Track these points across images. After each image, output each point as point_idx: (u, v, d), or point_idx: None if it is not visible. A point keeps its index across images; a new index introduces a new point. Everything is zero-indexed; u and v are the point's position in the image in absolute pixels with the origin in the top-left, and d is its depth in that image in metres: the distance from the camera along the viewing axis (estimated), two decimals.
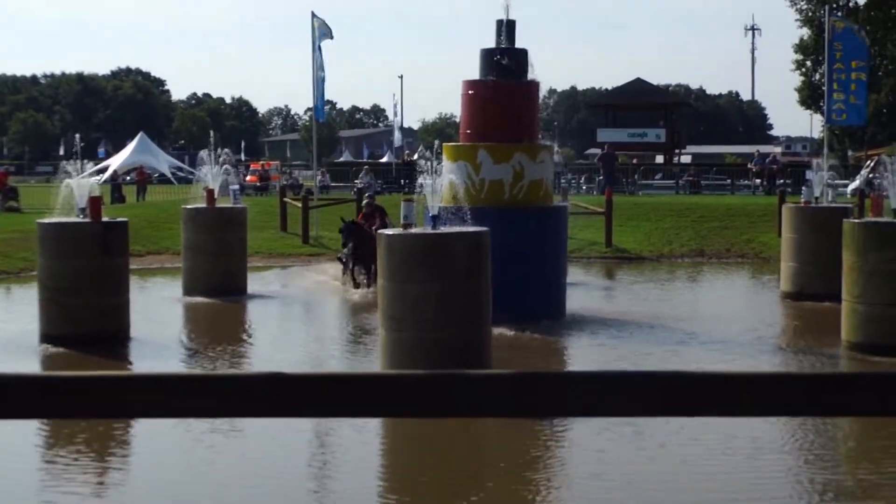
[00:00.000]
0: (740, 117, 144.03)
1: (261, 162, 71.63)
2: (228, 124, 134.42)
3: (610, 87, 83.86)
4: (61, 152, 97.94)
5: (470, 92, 17.69)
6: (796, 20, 56.73)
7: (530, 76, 17.68)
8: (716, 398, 2.53)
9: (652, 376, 2.58)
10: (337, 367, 13.67)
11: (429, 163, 15.55)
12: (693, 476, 9.06)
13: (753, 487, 8.72)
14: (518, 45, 17.80)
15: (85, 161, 17.42)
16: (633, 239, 28.18)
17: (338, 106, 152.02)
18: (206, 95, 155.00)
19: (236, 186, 23.18)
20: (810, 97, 57.73)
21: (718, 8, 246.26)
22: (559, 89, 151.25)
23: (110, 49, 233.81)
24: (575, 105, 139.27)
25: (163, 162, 72.53)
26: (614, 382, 2.60)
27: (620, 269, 25.31)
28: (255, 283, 20.99)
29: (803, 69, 58.79)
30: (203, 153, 23.30)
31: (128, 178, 58.93)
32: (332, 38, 32.57)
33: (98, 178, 33.70)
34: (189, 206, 21.03)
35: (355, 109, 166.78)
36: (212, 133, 27.04)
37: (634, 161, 53.79)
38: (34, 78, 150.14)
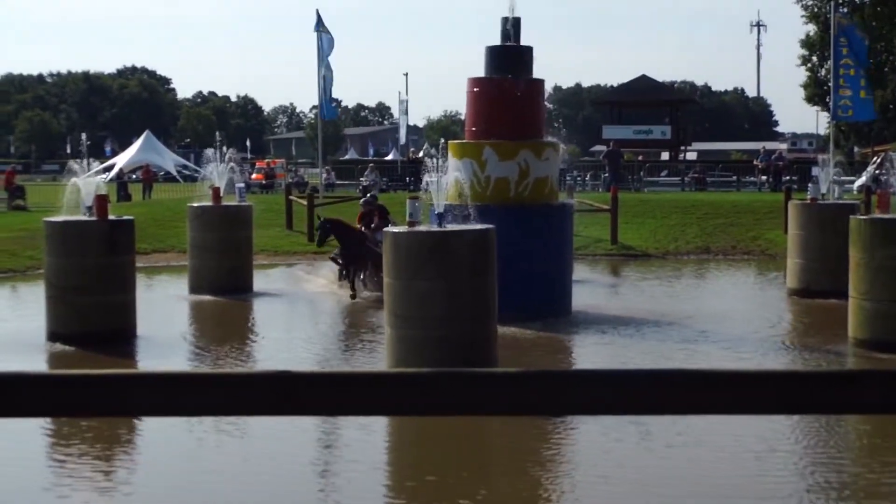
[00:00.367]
0: (746, 114, 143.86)
1: (266, 160, 71.65)
2: (234, 122, 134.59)
3: (615, 84, 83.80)
4: (68, 151, 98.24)
5: (475, 89, 17.69)
6: (802, 16, 56.64)
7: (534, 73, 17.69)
8: (722, 396, 2.53)
9: (657, 374, 2.57)
10: (343, 365, 13.67)
11: (434, 160, 15.54)
12: (701, 477, 9.03)
13: (762, 489, 8.69)
14: (523, 42, 17.80)
15: (91, 159, 17.45)
16: (639, 236, 28.16)
17: (343, 103, 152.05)
18: (212, 94, 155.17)
19: (242, 184, 23.19)
20: (816, 93, 57.64)
21: (724, 4, 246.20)
22: (564, 86, 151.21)
23: (116, 48, 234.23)
24: (580, 102, 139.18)
25: (168, 160, 72.59)
26: (619, 380, 2.59)
27: (626, 266, 25.29)
28: (260, 281, 21.00)
29: (809, 65, 58.68)
30: (209, 151, 23.33)
31: (133, 176, 58.98)
32: (330, 35, 32.57)
33: (104, 176, 33.75)
34: (195, 205, 21.04)
35: (360, 107, 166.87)
36: (217, 131, 27.09)
37: (640, 158, 53.75)
38: (40, 77, 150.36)
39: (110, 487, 8.81)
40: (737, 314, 17.43)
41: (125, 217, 16.14)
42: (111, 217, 15.60)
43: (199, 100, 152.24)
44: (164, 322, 16.75)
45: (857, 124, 50.12)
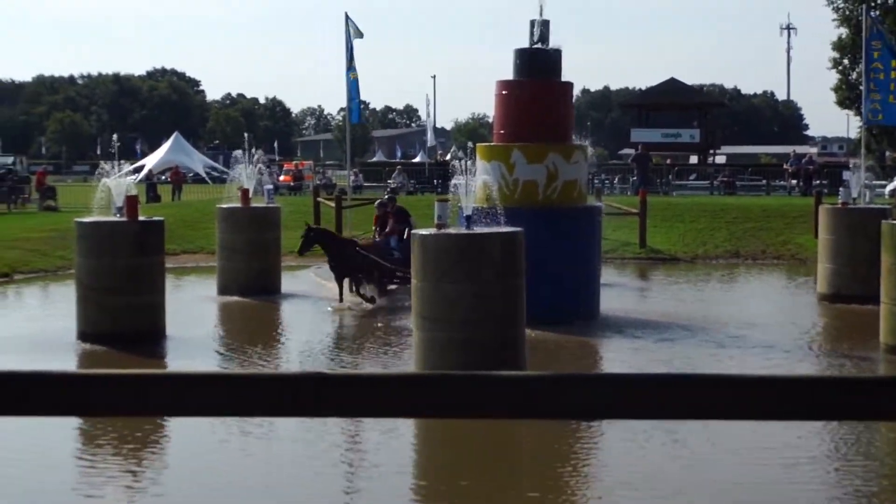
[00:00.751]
0: (775, 117, 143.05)
1: (294, 162, 71.89)
2: (262, 124, 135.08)
3: (644, 87, 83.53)
4: (98, 152, 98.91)
5: (503, 92, 17.67)
6: (833, 20, 56.21)
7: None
8: (746, 401, 2.51)
9: (683, 378, 2.56)
10: (371, 367, 13.68)
11: (462, 163, 15.54)
12: (730, 484, 8.93)
13: (792, 498, 8.62)
14: (552, 44, 17.76)
15: (121, 161, 17.56)
16: (668, 240, 28.04)
17: (371, 106, 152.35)
18: (241, 95, 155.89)
19: (270, 186, 23.27)
20: (847, 97, 57.18)
21: (754, 7, 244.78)
22: (592, 89, 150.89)
23: (146, 50, 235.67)
24: (608, 105, 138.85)
25: (197, 161, 73.02)
26: (642, 384, 2.58)
27: (654, 269, 25.19)
28: (288, 282, 21.05)
29: (840, 68, 58.23)
30: (237, 153, 23.42)
31: (163, 177, 59.31)
32: (361, 37, 32.59)
33: (134, 177, 33.97)
34: (224, 206, 21.14)
35: (388, 109, 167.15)
36: (246, 133, 27.18)
37: (668, 161, 53.52)
38: (71, 78, 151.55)
39: (140, 488, 8.84)
40: (767, 319, 17.32)
41: (155, 218, 16.22)
42: (141, 218, 15.69)
43: (227, 101, 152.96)
44: (193, 323, 16.82)
45: (888, 128, 49.70)
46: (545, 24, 17.62)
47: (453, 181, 14.49)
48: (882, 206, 21.85)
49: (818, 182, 41.77)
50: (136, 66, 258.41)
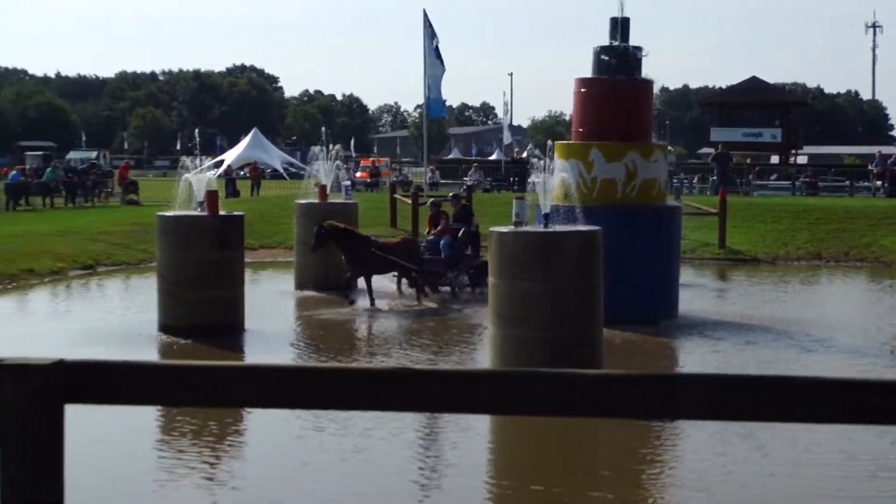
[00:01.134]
0: (860, 117, 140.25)
1: (371, 158, 72.29)
2: (339, 121, 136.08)
3: (724, 86, 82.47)
4: (178, 147, 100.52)
5: (582, 90, 17.56)
6: None
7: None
8: (828, 405, 2.45)
9: (764, 380, 2.50)
10: (446, 363, 13.67)
11: (540, 161, 15.47)
12: (812, 497, 8.73)
13: None
14: (631, 42, 17.62)
15: (203, 156, 17.80)
16: (748, 240, 27.63)
17: (447, 103, 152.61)
18: (318, 92, 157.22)
19: (348, 182, 23.42)
20: None
21: (838, 5, 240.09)
22: (671, 87, 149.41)
23: (226, 47, 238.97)
24: (687, 104, 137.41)
25: (275, 157, 73.81)
26: (722, 385, 2.53)
27: (734, 270, 24.85)
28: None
29: None
30: (315, 149, 23.61)
31: (241, 172, 60.06)
32: (436, 37, 32.67)
33: (213, 172, 34.44)
34: (302, 202, 21.32)
35: (464, 107, 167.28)
36: (324, 129, 27.38)
37: (748, 161, 52.73)
38: (153, 75, 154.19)
39: (220, 481, 8.92)
40: (851, 322, 16.96)
41: (235, 213, 16.40)
42: (222, 213, 15.88)
43: (305, 98, 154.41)
44: (271, 317, 16.97)
45: None
46: (625, 22, 17.48)
47: (531, 179, 14.43)
48: None
49: None
50: (216, 62, 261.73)
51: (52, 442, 2.41)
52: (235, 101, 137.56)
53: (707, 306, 18.51)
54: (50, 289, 21.14)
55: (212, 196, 15.79)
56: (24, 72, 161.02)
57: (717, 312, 17.95)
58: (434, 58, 33.73)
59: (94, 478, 8.56)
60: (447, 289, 19.23)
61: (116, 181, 46.19)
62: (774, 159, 59.61)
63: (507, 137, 61.51)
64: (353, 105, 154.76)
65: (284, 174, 66.50)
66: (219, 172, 50.85)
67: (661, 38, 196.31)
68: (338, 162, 22.83)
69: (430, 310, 17.85)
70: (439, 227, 19.64)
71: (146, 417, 10.27)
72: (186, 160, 17.01)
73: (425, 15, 34.87)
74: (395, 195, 31.10)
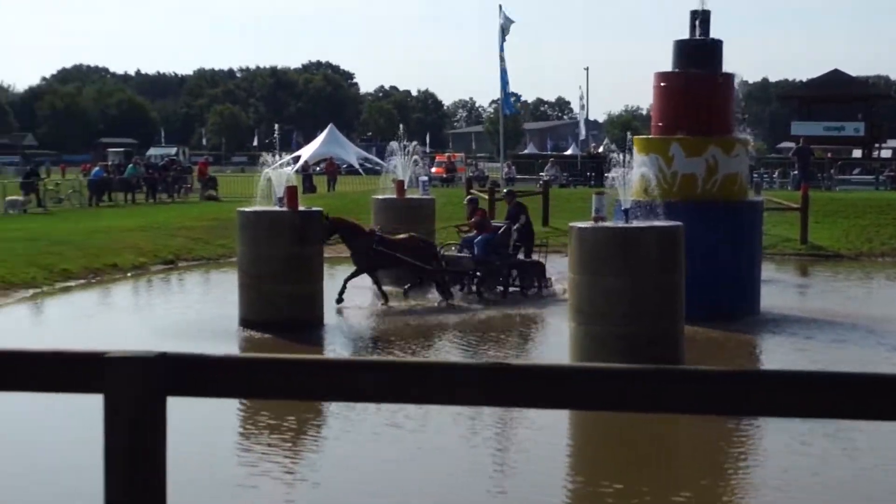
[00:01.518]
0: None
1: (446, 154, 72.42)
2: (414, 117, 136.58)
3: (804, 79, 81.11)
4: (255, 143, 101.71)
5: (662, 84, 17.37)
6: None
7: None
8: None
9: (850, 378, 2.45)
10: (529, 359, 13.63)
11: (618, 156, 15.35)
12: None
13: None
14: (712, 35, 17.39)
15: (282, 152, 17.95)
16: (830, 236, 27.13)
17: (522, 98, 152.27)
18: (393, 88, 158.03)
19: (425, 178, 23.45)
20: None
21: None
22: (750, 80, 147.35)
23: (302, 43, 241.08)
24: (767, 97, 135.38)
25: (351, 153, 74.26)
26: (809, 382, 2.49)
27: (817, 266, 24.41)
28: None
29: None
30: (393, 144, 23.69)
31: (317, 168, 60.57)
32: (508, 32, 32.58)
33: (291, 167, 34.76)
34: (379, 197, 21.40)
35: (540, 102, 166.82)
36: (401, 125, 27.48)
37: (829, 155, 51.82)
38: (230, 72, 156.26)
39: (300, 477, 8.95)
40: None
41: (314, 208, 16.52)
42: (301, 208, 15.99)
43: (380, 94, 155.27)
44: (349, 311, 17.05)
45: None
46: (706, 15, 17.25)
47: (610, 174, 14.32)
48: None
49: None
50: (292, 59, 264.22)
51: (155, 434, 2.43)
52: (311, 97, 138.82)
53: (790, 302, 18.20)
54: (132, 283, 21.52)
55: (292, 192, 15.92)
56: (106, 70, 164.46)
57: (801, 309, 17.64)
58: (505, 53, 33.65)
59: (174, 472, 8.65)
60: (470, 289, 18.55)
61: (196, 177, 46.83)
62: (857, 153, 58.51)
63: (582, 132, 61.18)
64: (428, 101, 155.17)
65: (360, 170, 66.89)
66: (295, 168, 51.41)
67: (740, 31, 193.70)
68: (415, 157, 22.88)
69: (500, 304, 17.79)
70: (472, 223, 19.18)
71: (226, 412, 10.33)
72: (267, 156, 17.16)
73: (501, 9, 34.80)
74: (472, 190, 31.08)
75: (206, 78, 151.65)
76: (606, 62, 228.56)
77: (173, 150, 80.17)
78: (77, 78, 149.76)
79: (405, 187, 21.36)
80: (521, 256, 19.21)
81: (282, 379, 2.51)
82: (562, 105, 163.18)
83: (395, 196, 21.10)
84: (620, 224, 12.86)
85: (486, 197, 28.89)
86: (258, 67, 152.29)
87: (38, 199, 36.53)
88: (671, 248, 12.39)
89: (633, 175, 15.08)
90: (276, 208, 15.89)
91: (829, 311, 17.14)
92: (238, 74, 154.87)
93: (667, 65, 17.46)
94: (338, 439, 10.00)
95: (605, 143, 69.21)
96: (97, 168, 44.83)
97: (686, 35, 17.40)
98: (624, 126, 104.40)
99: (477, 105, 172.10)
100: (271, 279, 15.19)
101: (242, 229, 15.78)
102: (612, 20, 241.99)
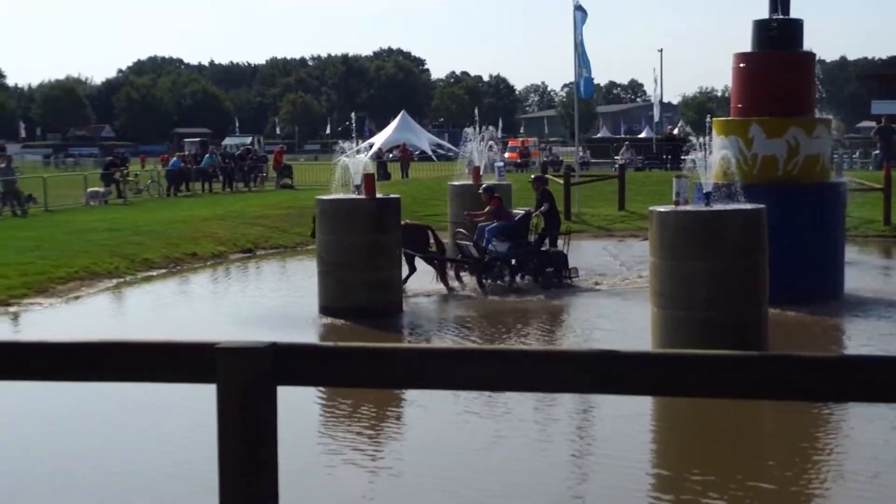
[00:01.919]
0: None
1: (519, 139, 72.26)
2: (486, 102, 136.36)
3: (885, 57, 79.32)
4: (327, 131, 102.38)
5: (741, 65, 17.11)
6: None
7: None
8: None
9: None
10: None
11: (696, 139, 15.14)
12: None
13: None
14: (792, 14, 17.08)
15: (358, 139, 18.04)
16: None
17: (595, 81, 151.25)
18: (464, 73, 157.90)
19: (501, 163, 23.41)
20: None
21: None
22: (828, 59, 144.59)
23: (373, 31, 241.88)
24: (846, 76, 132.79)
25: (423, 139, 74.49)
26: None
27: None
28: None
29: None
30: (468, 130, 23.68)
31: (390, 155, 60.84)
32: (585, 14, 32.25)
33: (366, 154, 34.93)
34: (455, 183, 21.40)
35: (612, 84, 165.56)
36: (476, 110, 27.44)
37: None
38: (302, 60, 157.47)
39: (382, 466, 8.96)
40: None
41: (392, 196, 16.57)
42: (379, 195, 16.05)
43: (452, 80, 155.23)
44: (427, 298, 17.09)
45: None
46: None
47: (688, 156, 14.14)
48: None
49: None
50: (363, 47, 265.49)
51: (266, 423, 2.46)
52: (383, 84, 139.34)
53: (875, 285, 17.86)
54: (211, 272, 21.81)
55: (369, 179, 15.99)
56: (180, 61, 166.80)
57: (886, 291, 17.31)
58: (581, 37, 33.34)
59: None
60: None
61: (272, 166, 47.26)
62: None
63: (657, 114, 60.59)
64: (499, 85, 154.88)
65: (433, 156, 67.03)
66: (369, 155, 51.71)
67: (818, 8, 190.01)
68: (490, 143, 22.84)
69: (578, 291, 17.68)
70: (486, 212, 18.69)
71: (305, 399, 10.36)
72: (343, 144, 17.25)
73: None
74: (547, 175, 30.94)
75: (279, 67, 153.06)
76: (681, 43, 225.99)
77: (249, 140, 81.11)
78: (152, 70, 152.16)
79: (481, 173, 21.33)
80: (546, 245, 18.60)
81: (387, 368, 2.52)
82: (635, 87, 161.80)
83: (471, 182, 21.09)
84: (703, 207, 12.71)
85: (562, 182, 28.75)
86: (329, 55, 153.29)
87: (119, 191, 37.17)
88: (754, 232, 12.23)
89: (713, 157, 14.88)
90: (354, 196, 15.97)
91: None
92: (310, 63, 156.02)
93: (744, 45, 17.22)
94: (420, 427, 10.00)
95: (680, 124, 68.51)
96: (175, 158, 45.46)
97: (764, 14, 17.12)
98: (698, 108, 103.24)
99: (549, 89, 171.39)
100: (350, 266, 15.29)
101: (321, 217, 15.88)
102: (686, 1, 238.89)
